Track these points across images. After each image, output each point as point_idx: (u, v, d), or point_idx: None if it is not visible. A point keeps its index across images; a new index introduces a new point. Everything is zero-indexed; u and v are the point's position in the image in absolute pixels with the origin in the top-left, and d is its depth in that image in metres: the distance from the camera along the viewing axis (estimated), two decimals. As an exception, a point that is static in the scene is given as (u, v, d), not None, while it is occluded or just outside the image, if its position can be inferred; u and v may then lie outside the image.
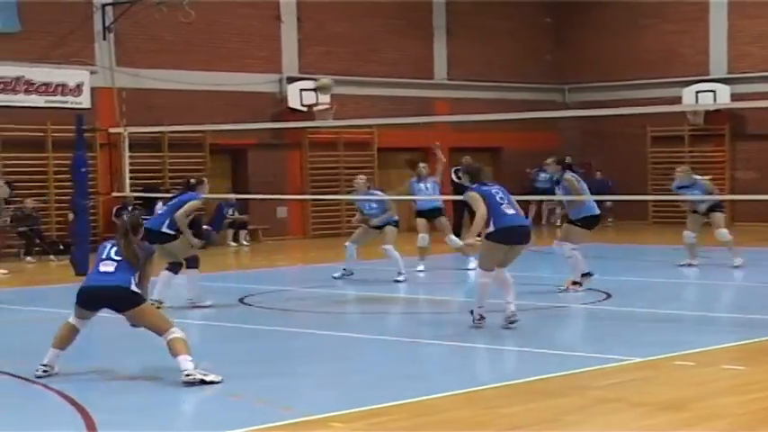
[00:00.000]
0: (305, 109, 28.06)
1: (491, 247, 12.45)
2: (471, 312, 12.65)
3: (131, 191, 21.99)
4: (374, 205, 18.50)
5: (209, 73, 27.11)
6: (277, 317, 14.58)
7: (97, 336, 11.48)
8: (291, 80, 28.44)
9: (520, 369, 10.17)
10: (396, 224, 18.55)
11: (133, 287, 9.85)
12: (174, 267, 14.86)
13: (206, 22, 26.71)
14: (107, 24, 25.77)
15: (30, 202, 24.02)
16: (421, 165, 19.85)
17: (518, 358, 11.19)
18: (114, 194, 23.19)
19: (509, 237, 12.40)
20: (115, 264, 9.94)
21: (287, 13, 28.70)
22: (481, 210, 12.31)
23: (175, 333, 9.71)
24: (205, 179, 15.78)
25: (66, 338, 10.03)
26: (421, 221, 19.51)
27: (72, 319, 10.09)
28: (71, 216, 21.98)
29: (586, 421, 8.17)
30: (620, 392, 9.13)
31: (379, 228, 18.46)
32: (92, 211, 23.01)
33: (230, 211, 27.22)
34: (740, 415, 8.27)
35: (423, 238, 19.33)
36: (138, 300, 9.91)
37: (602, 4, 32.91)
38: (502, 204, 12.44)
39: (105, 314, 10.12)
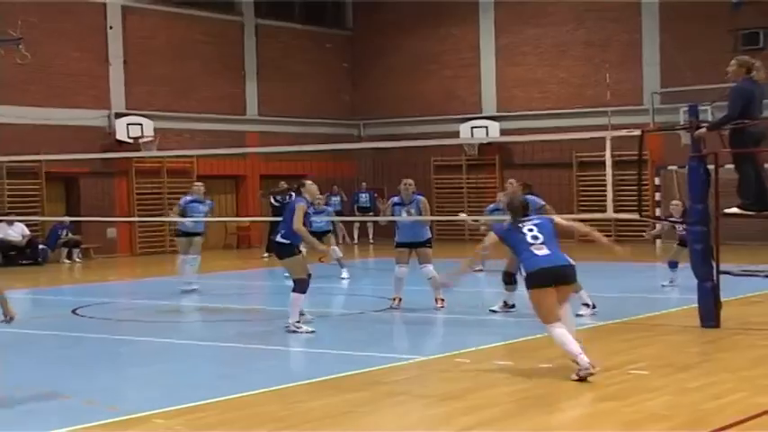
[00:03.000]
0: (131, 141, 27.65)
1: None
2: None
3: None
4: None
5: (44, 109, 26.43)
6: (107, 326, 14.26)
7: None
8: (119, 115, 27.98)
9: (320, 368, 10.15)
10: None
11: None
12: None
13: (41, 63, 26.06)
14: (-52, 63, 24.91)
15: None
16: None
17: (319, 359, 11.16)
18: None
19: None
20: None
21: (114, 56, 28.22)
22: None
23: None
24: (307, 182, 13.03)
25: None
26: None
27: None
28: None
29: (376, 412, 8.25)
30: (406, 387, 9.23)
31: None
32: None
33: (64, 232, 26.55)
34: (509, 403, 8.46)
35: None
36: None
37: (392, 50, 33.29)
38: None
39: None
